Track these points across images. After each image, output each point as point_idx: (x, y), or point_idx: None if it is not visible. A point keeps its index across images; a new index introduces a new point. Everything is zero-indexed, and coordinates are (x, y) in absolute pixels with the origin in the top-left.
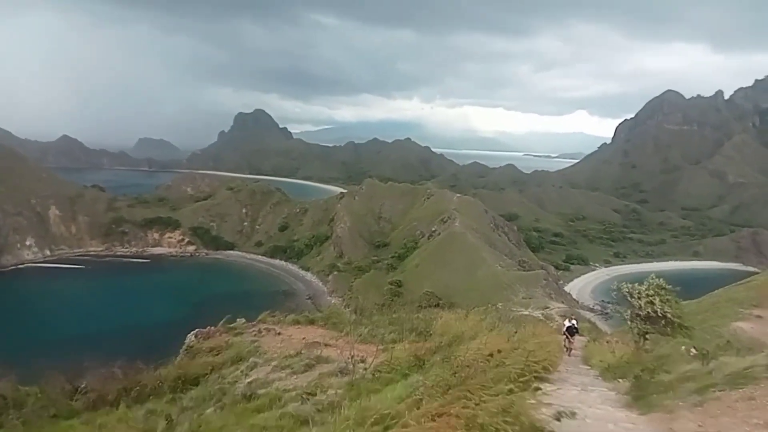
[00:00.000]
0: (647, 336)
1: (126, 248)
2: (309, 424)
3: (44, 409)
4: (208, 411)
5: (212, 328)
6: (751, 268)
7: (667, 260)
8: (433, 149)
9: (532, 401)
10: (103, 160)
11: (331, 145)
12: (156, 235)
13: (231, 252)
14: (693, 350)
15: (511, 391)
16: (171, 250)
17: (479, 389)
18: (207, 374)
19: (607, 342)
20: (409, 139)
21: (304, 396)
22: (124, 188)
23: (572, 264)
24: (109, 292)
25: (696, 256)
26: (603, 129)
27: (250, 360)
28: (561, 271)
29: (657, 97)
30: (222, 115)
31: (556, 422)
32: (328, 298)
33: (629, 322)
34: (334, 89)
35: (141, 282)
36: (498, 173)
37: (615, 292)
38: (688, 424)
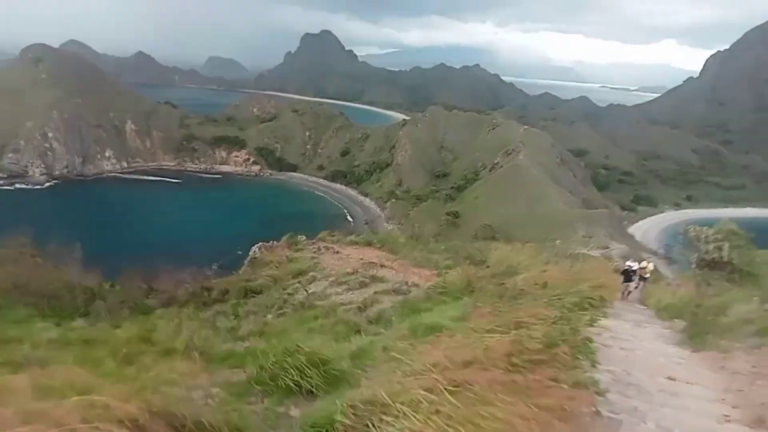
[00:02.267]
0: (711, 282)
1: (195, 164)
2: (361, 333)
3: (124, 303)
4: (269, 316)
5: (275, 242)
6: None
7: (745, 207)
8: (502, 77)
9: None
10: (174, 77)
11: (396, 69)
12: (223, 154)
13: (294, 174)
14: (755, 298)
15: (562, 316)
16: (237, 168)
17: (530, 313)
18: (269, 285)
19: (668, 285)
20: (478, 65)
21: (358, 308)
22: (195, 106)
23: (639, 205)
24: (182, 204)
25: None
26: (692, 61)
27: (309, 274)
28: (627, 212)
29: (759, 26)
30: (289, 35)
31: (606, 347)
32: (385, 224)
33: (693, 267)
34: (404, 10)
35: (211, 197)
36: (570, 105)
37: (682, 236)
38: (742, 365)
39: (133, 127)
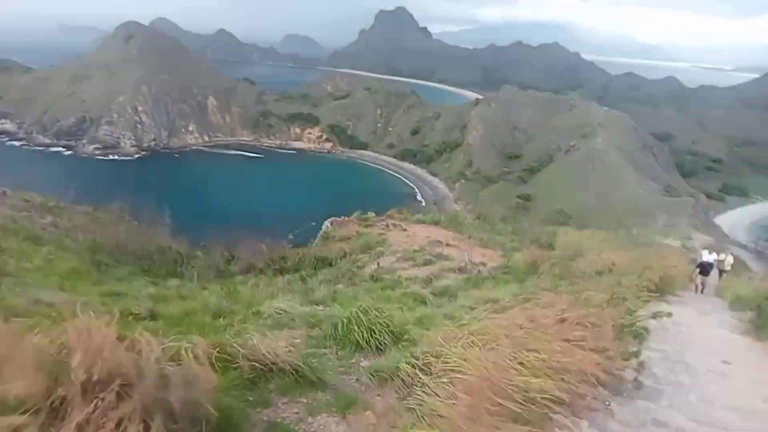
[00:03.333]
0: None
1: (271, 140)
2: (427, 304)
3: (209, 268)
4: (340, 286)
5: (346, 218)
6: None
7: None
8: (583, 55)
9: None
10: (253, 54)
11: (471, 47)
12: (297, 130)
13: (364, 152)
14: None
15: (623, 299)
16: (310, 145)
17: (589, 293)
18: (339, 258)
19: (750, 278)
20: (556, 43)
21: (423, 282)
22: (272, 83)
23: (729, 195)
24: (260, 178)
25: None
26: None
27: (377, 249)
28: (713, 202)
29: None
30: (364, 12)
31: (663, 329)
32: (454, 205)
33: None
34: None
35: (287, 171)
36: (655, 86)
37: (765, 228)
38: None
39: (214, 102)
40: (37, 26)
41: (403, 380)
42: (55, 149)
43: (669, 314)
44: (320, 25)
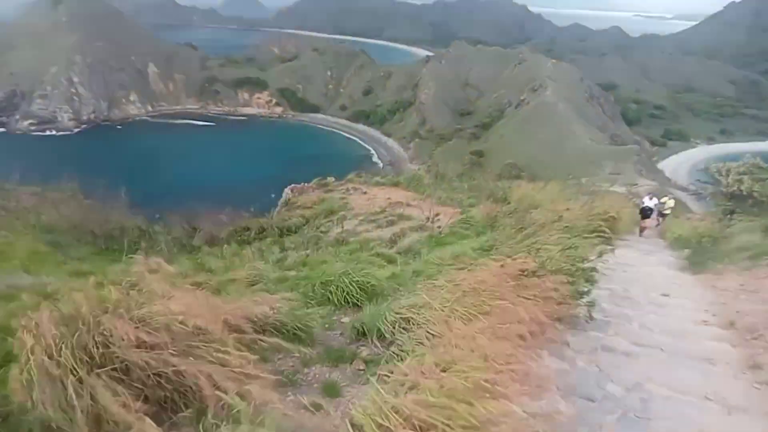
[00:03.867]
0: (732, 215)
1: (219, 107)
2: (396, 262)
3: (173, 242)
4: (307, 251)
5: (306, 184)
6: None
7: None
8: (530, 8)
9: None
10: (193, 17)
11: (419, 3)
12: (246, 96)
13: (316, 115)
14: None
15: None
16: (260, 110)
17: (542, 242)
18: (302, 224)
19: (689, 219)
20: None
21: (389, 242)
22: (215, 47)
23: (671, 140)
24: (212, 147)
25: None
26: None
27: (340, 214)
28: (657, 147)
29: None
30: None
31: (609, 267)
32: (409, 165)
33: (711, 199)
34: None
35: (239, 139)
36: (601, 37)
37: (702, 171)
38: (731, 283)
39: (155, 70)
40: None
41: (382, 332)
42: None
43: (617, 259)
44: None
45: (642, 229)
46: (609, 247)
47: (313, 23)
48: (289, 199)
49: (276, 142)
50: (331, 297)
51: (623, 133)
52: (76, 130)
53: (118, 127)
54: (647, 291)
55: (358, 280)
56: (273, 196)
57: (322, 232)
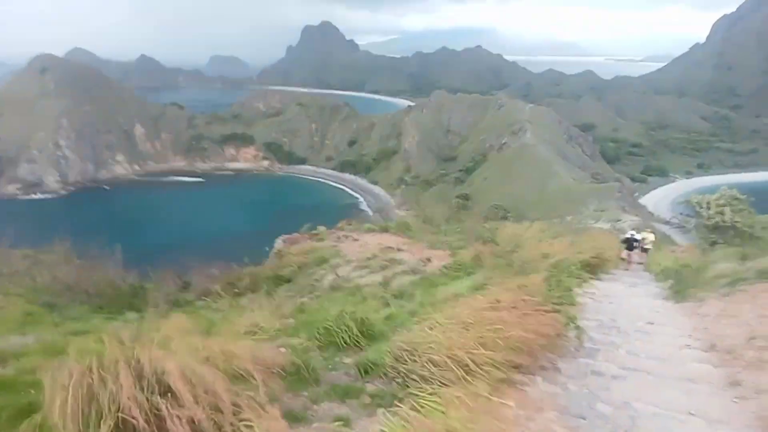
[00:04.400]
0: (715, 245)
1: (206, 163)
2: (389, 304)
3: (168, 297)
4: (303, 299)
5: (298, 234)
6: None
7: (757, 171)
8: (505, 57)
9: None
10: (179, 78)
11: (398, 56)
12: (233, 151)
13: (303, 167)
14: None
15: (560, 280)
16: (248, 165)
17: (532, 279)
18: (296, 273)
19: (673, 251)
20: (479, 46)
21: (381, 286)
22: (201, 106)
23: (650, 176)
24: (201, 203)
25: None
26: (698, 27)
27: (333, 261)
28: (637, 184)
29: None
30: (290, 29)
31: (596, 300)
32: (396, 211)
33: (695, 232)
34: None
35: (228, 194)
36: (575, 80)
37: (684, 204)
38: (712, 309)
39: (142, 130)
40: None
41: (385, 369)
42: None
43: (603, 292)
44: (246, 45)
45: (628, 262)
46: (596, 281)
47: (296, 79)
48: (280, 250)
49: (264, 194)
50: (333, 339)
51: (604, 171)
52: (64, 192)
53: (106, 187)
54: (633, 320)
55: (356, 322)
56: (267, 249)
57: (316, 279)
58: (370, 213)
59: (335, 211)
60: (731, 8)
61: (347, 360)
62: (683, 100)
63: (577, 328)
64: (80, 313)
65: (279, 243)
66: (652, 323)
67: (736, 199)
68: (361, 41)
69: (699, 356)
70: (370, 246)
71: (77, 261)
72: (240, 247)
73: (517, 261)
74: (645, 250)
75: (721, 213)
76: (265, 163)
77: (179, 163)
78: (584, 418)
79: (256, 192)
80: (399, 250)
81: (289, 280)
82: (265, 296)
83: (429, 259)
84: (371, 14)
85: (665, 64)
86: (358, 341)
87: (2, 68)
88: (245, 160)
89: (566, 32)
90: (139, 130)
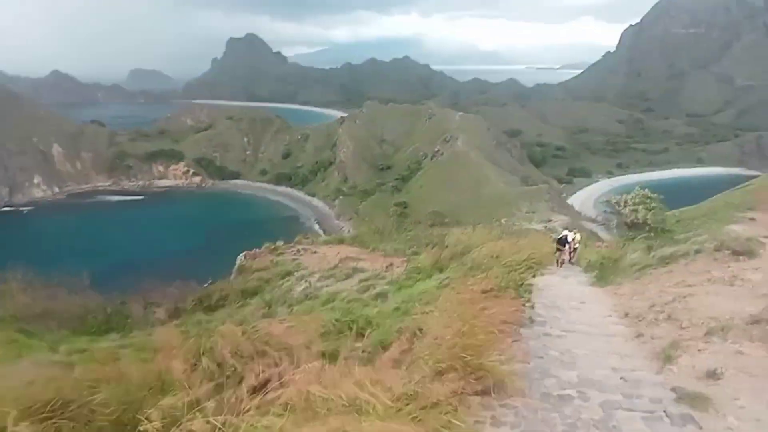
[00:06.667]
0: (633, 241)
1: (132, 182)
2: (370, 305)
3: (146, 316)
4: (279, 309)
5: (258, 249)
6: (753, 172)
7: (670, 168)
8: (432, 67)
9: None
10: (97, 94)
11: (327, 67)
12: (161, 168)
13: (237, 181)
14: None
15: (513, 275)
16: (177, 182)
17: (490, 275)
18: (262, 286)
19: (598, 247)
20: (407, 57)
21: (358, 291)
22: (123, 122)
23: (575, 177)
24: (129, 224)
25: (700, 163)
26: (609, 37)
27: (297, 273)
28: (564, 185)
29: None
30: (214, 41)
31: (539, 289)
32: (336, 221)
33: (615, 229)
34: (328, 7)
35: (158, 213)
36: (499, 89)
37: (605, 203)
38: (626, 290)
39: (60, 150)
40: None
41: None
42: None
43: (545, 282)
44: (167, 58)
45: (560, 262)
46: (538, 275)
47: (223, 92)
48: (243, 264)
49: (198, 212)
50: (345, 329)
51: (532, 175)
52: None
53: (23, 211)
54: (568, 301)
55: (357, 317)
56: (212, 265)
57: (285, 291)
58: (310, 224)
59: (275, 224)
60: (636, 19)
61: (357, 344)
62: (600, 105)
63: (531, 307)
64: (60, 337)
65: (241, 258)
66: (583, 302)
67: (649, 198)
68: (289, 53)
69: (616, 321)
70: (329, 257)
71: (43, 288)
72: (183, 266)
73: (470, 262)
74: (574, 249)
75: (636, 211)
76: (197, 179)
77: (103, 182)
78: (542, 358)
79: (190, 208)
80: (358, 259)
81: (256, 293)
82: (238, 310)
83: (391, 265)
84: (297, 26)
85: (581, 71)
86: (362, 330)
87: None
88: (175, 176)
89: (488, 42)
90: (56, 150)
